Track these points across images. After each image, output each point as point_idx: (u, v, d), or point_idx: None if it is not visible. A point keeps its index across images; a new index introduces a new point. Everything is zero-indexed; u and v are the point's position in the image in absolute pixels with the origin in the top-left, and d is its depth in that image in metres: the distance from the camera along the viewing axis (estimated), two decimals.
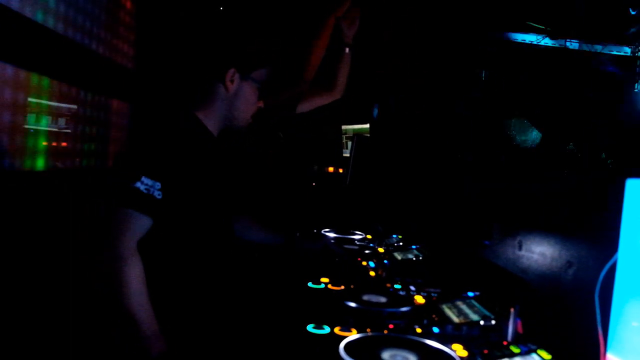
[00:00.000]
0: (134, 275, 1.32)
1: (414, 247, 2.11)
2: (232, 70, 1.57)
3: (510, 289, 1.51)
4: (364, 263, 1.91)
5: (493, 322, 1.24)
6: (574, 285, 1.26)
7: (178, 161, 1.43)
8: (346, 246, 2.17)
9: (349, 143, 3.96)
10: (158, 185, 1.36)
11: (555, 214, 1.46)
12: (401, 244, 2.26)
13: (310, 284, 1.55)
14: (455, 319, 1.29)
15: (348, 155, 3.60)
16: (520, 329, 1.21)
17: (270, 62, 1.67)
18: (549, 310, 1.29)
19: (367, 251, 2.11)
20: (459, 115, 2.26)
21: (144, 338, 1.31)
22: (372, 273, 1.76)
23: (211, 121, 1.61)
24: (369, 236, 2.47)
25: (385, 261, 1.94)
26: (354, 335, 1.14)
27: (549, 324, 1.22)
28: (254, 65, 1.61)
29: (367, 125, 3.99)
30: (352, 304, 1.33)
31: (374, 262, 1.92)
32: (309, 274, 1.65)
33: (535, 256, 1.47)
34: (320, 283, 1.57)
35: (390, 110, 3.52)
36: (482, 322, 1.25)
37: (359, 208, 3.02)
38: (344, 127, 4.39)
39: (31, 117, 2.14)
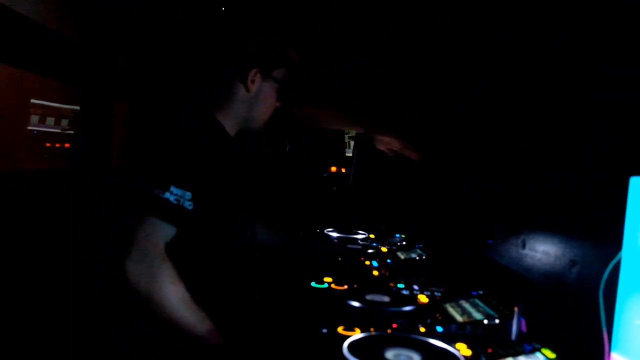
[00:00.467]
0: (170, 278, 1.28)
1: (417, 246, 2.11)
2: (254, 70, 1.55)
3: (514, 287, 1.51)
4: (367, 262, 1.90)
5: (497, 321, 1.24)
6: (577, 283, 1.26)
7: (205, 168, 1.39)
8: (349, 246, 2.17)
9: (351, 143, 3.96)
10: (189, 195, 1.32)
11: (558, 212, 1.45)
12: (404, 243, 2.26)
13: (313, 284, 1.55)
14: (459, 318, 1.29)
15: (350, 154, 3.60)
16: (524, 328, 1.21)
17: (289, 60, 1.64)
18: (553, 309, 1.28)
19: (370, 251, 2.11)
20: (460, 114, 2.26)
21: (196, 338, 1.30)
22: (375, 272, 1.76)
23: (229, 123, 1.59)
24: (372, 236, 2.47)
25: (389, 260, 1.94)
26: (357, 335, 1.14)
27: (553, 323, 1.22)
28: (275, 64, 1.59)
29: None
30: (356, 304, 1.33)
31: (377, 262, 1.92)
32: (311, 273, 1.65)
33: (539, 255, 1.47)
34: (323, 282, 1.57)
35: (390, 112, 3.52)
36: (485, 321, 1.25)
37: (362, 207, 3.02)
38: None
39: (34, 118, 2.14)
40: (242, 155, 1.71)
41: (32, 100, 2.12)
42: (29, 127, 2.09)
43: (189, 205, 1.31)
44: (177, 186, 1.30)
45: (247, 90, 1.56)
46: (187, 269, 1.39)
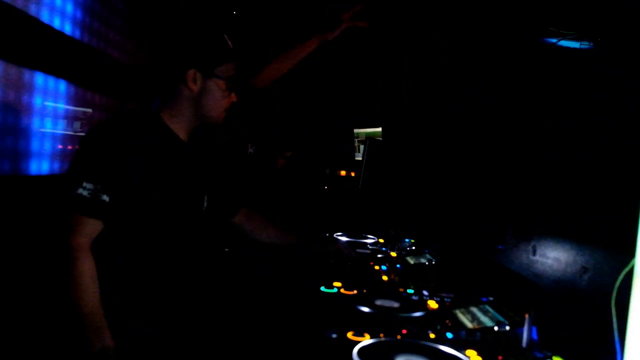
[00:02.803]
0: (82, 271, 1.34)
1: (426, 251, 2.10)
2: (192, 71, 1.53)
3: (525, 294, 1.50)
4: (377, 267, 1.90)
5: (507, 328, 1.23)
6: (589, 291, 1.25)
7: (122, 162, 1.41)
8: (358, 250, 2.17)
9: (361, 146, 3.96)
10: (100, 187, 1.37)
11: (569, 218, 1.44)
12: (414, 248, 2.25)
13: (322, 288, 1.55)
14: (469, 325, 1.28)
15: (360, 158, 3.60)
16: (535, 335, 1.20)
17: (234, 56, 1.62)
18: (564, 317, 1.27)
19: (379, 255, 2.11)
20: (467, 116, 2.25)
21: (88, 332, 1.32)
22: (384, 277, 1.76)
23: (178, 121, 1.58)
24: (381, 240, 2.46)
25: (398, 265, 1.94)
26: (367, 341, 1.14)
27: (564, 331, 1.21)
28: (215, 62, 1.57)
29: (380, 129, 3.99)
30: (365, 309, 1.33)
31: (387, 267, 1.91)
32: (320, 277, 1.65)
33: (550, 261, 1.46)
34: (332, 287, 1.56)
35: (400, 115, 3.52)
36: (496, 328, 1.24)
37: (372, 211, 3.01)
38: (356, 130, 4.39)
39: (47, 121, 2.16)
40: (198, 154, 1.69)
41: (45, 103, 2.14)
42: (41, 130, 2.11)
43: (105, 197, 1.37)
44: (88, 181, 1.36)
45: (190, 90, 1.55)
46: (120, 263, 1.45)
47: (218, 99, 1.60)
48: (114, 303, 1.38)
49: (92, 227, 1.38)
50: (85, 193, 1.35)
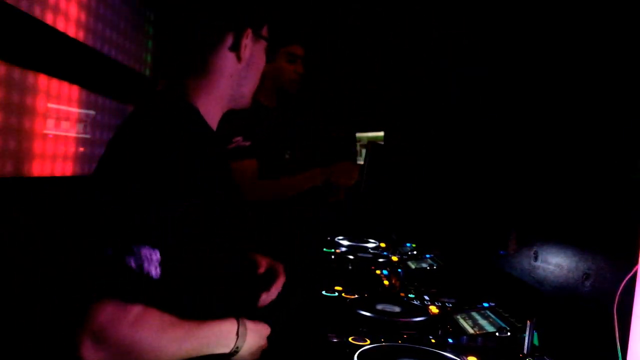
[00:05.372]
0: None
1: (428, 256, 2.10)
2: (247, 32, 1.16)
3: (526, 300, 1.50)
4: (378, 272, 1.90)
5: (509, 333, 1.23)
6: (591, 297, 1.24)
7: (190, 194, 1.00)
8: (360, 254, 2.17)
9: (363, 150, 3.96)
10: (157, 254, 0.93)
11: (571, 224, 1.44)
12: (415, 252, 2.25)
13: (324, 292, 1.55)
14: (470, 330, 1.28)
15: (362, 162, 3.60)
16: (536, 341, 1.20)
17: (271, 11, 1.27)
18: (566, 323, 1.27)
19: (380, 259, 2.11)
20: (470, 121, 2.25)
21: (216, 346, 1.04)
22: (386, 282, 1.76)
23: (212, 108, 1.18)
24: (382, 244, 2.46)
25: (399, 270, 1.93)
26: (367, 345, 1.14)
27: (565, 337, 1.20)
28: (264, 16, 1.23)
29: (382, 133, 3.99)
30: (366, 313, 1.33)
31: (388, 271, 1.91)
32: (322, 280, 1.65)
33: (552, 267, 1.46)
34: (334, 291, 1.56)
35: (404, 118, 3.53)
36: (497, 334, 1.24)
37: (373, 216, 3.01)
38: (358, 134, 4.40)
39: (50, 123, 2.17)
40: (224, 156, 1.36)
41: (48, 105, 2.14)
42: (45, 131, 2.12)
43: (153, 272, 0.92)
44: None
45: (239, 59, 1.17)
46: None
47: (261, 70, 1.25)
48: None
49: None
50: (133, 264, 0.89)
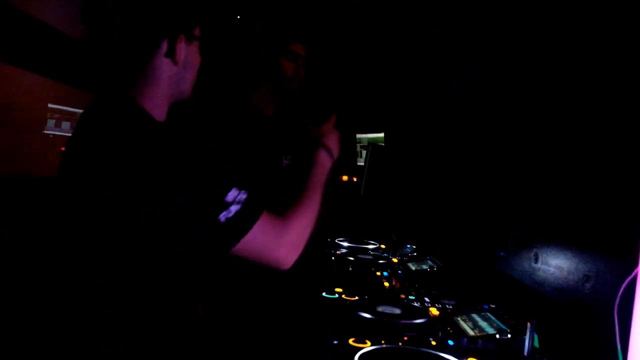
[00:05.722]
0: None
1: (428, 257, 2.10)
2: (181, 37, 1.23)
3: (527, 302, 1.49)
4: (378, 273, 1.90)
5: (509, 335, 1.22)
6: (592, 299, 1.24)
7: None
8: (360, 256, 2.16)
9: (364, 152, 3.96)
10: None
11: (571, 225, 1.44)
12: (415, 254, 2.25)
13: (324, 294, 1.55)
14: (471, 332, 1.28)
15: (362, 164, 3.60)
16: (537, 343, 1.20)
17: (204, 14, 1.34)
18: (566, 325, 1.27)
19: (381, 261, 2.10)
20: (470, 122, 2.25)
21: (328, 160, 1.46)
22: (386, 284, 1.76)
23: (157, 106, 1.25)
24: (382, 246, 2.46)
25: (400, 271, 1.93)
26: (368, 347, 1.13)
27: (566, 339, 1.20)
28: (195, 19, 1.29)
29: (382, 134, 3.99)
30: (367, 315, 1.33)
31: (388, 273, 1.91)
32: (322, 282, 1.65)
33: (552, 269, 1.45)
34: (334, 293, 1.56)
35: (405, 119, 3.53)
36: (498, 336, 1.23)
37: (373, 217, 3.01)
38: (358, 135, 4.40)
39: (50, 122, 2.17)
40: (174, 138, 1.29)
41: (49, 105, 2.14)
42: (45, 132, 2.12)
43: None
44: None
45: (175, 63, 1.24)
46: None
47: (197, 66, 1.34)
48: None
49: None
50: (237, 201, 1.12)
